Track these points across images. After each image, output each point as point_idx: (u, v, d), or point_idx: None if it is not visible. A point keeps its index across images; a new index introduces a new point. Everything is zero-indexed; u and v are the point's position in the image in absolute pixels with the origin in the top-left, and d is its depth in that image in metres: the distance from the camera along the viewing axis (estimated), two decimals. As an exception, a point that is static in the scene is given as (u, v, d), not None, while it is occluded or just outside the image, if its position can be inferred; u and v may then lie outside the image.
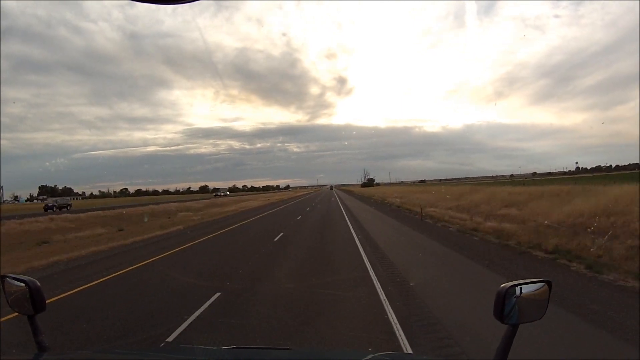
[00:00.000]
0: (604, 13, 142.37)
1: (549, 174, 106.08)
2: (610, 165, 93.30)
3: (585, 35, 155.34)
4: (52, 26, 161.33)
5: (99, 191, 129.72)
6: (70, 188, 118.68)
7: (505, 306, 1.19)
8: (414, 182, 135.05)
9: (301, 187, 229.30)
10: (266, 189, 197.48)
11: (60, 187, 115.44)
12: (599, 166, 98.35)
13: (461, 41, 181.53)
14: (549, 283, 1.28)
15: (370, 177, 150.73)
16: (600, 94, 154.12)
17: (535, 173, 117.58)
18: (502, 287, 1.21)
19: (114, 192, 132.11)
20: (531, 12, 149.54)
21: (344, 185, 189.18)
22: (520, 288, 1.22)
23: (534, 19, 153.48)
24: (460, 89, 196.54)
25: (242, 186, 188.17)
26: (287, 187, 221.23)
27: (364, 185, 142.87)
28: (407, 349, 3.97)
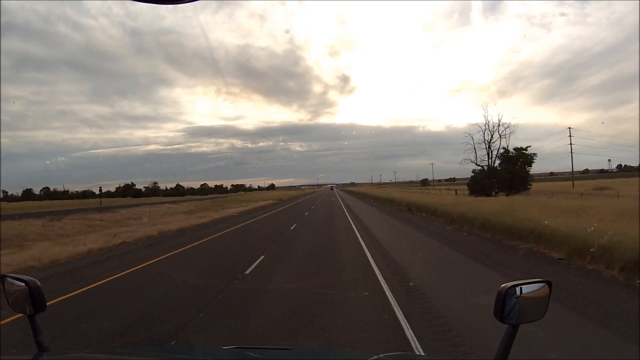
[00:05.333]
0: (609, 12, 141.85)
1: (602, 171, 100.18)
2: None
3: (591, 34, 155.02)
4: (51, 22, 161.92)
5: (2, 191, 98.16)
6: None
7: (505, 306, 1.18)
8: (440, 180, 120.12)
9: (295, 187, 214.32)
10: (235, 188, 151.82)
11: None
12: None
13: (465, 40, 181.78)
14: (549, 283, 1.27)
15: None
16: (604, 93, 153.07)
17: (587, 170, 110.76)
18: (503, 287, 1.20)
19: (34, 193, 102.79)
20: (537, 9, 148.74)
21: (347, 184, 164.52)
22: (521, 288, 1.21)
23: (539, 17, 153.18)
24: (464, 88, 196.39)
25: (199, 184, 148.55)
26: (272, 186, 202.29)
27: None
28: None
